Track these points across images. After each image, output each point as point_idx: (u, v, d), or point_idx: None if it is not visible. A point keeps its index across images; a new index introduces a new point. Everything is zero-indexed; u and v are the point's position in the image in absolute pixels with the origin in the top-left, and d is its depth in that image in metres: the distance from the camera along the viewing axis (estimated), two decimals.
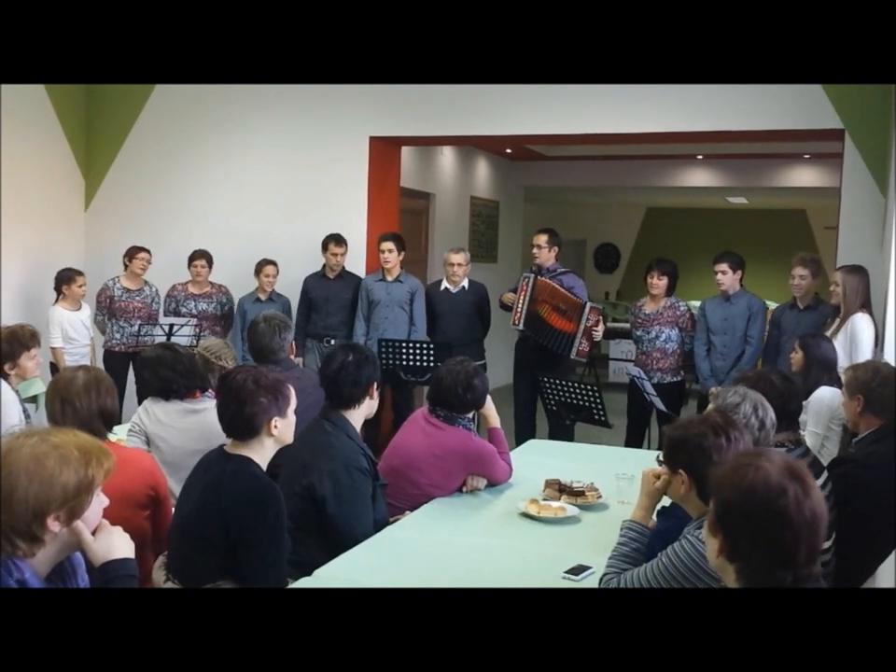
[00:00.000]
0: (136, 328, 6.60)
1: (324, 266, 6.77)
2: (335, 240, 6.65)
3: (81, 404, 2.87)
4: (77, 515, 1.85)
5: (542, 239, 6.33)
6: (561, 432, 5.85)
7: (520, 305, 6.21)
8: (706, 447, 2.28)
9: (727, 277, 5.81)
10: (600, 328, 6.08)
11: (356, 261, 6.96)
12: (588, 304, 6.00)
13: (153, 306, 6.91)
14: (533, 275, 6.25)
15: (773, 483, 1.75)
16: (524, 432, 6.38)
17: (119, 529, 1.97)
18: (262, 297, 6.75)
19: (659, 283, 5.99)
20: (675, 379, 5.99)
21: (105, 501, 1.93)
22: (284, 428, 2.76)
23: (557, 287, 6.11)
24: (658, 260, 6.15)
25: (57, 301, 6.51)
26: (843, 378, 3.80)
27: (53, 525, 1.81)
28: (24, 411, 4.23)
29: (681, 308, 6.04)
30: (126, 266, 6.80)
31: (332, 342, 6.55)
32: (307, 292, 6.77)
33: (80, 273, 6.54)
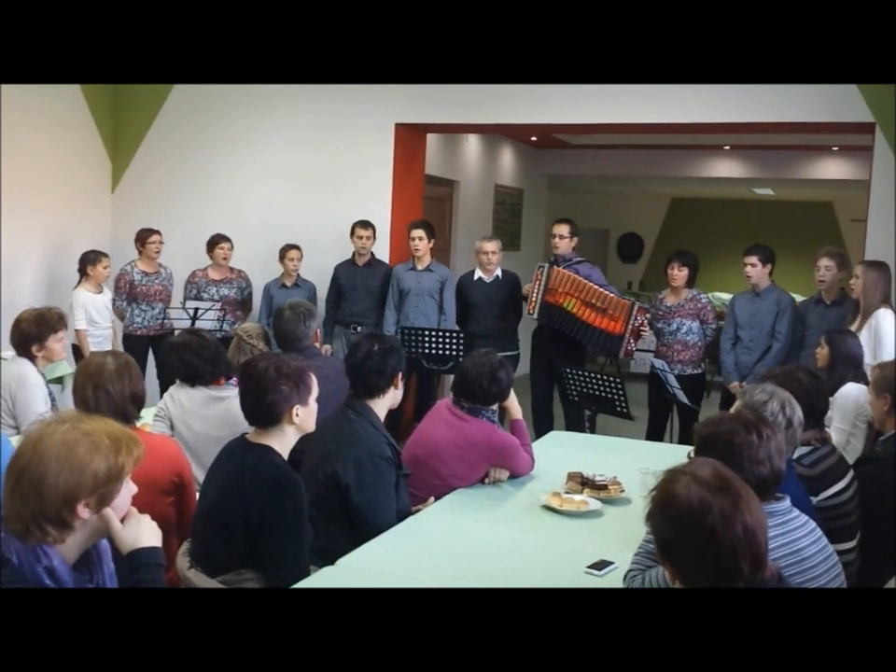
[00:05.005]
0: (158, 310, 6.63)
1: (354, 253, 6.77)
2: (361, 224, 6.66)
3: (114, 389, 2.91)
4: (107, 502, 1.86)
5: (565, 229, 6.33)
6: (578, 422, 5.85)
7: (534, 296, 6.23)
8: (737, 444, 2.25)
9: (756, 270, 5.78)
10: (647, 328, 6.04)
11: (380, 248, 6.96)
12: (636, 304, 5.96)
13: (169, 288, 6.92)
14: (547, 265, 6.27)
15: (696, 503, 1.74)
16: (542, 422, 6.39)
17: (146, 517, 1.98)
18: (288, 283, 6.77)
19: (679, 274, 5.99)
20: (696, 371, 5.99)
21: (134, 489, 1.95)
22: (305, 416, 2.77)
23: (577, 277, 6.09)
24: (679, 252, 6.18)
25: (80, 283, 6.50)
26: (868, 375, 3.77)
27: (83, 511, 1.83)
28: (50, 393, 4.27)
29: (703, 300, 6.04)
30: (140, 251, 6.79)
31: (359, 328, 6.57)
32: (337, 279, 6.78)
33: (105, 255, 6.55)
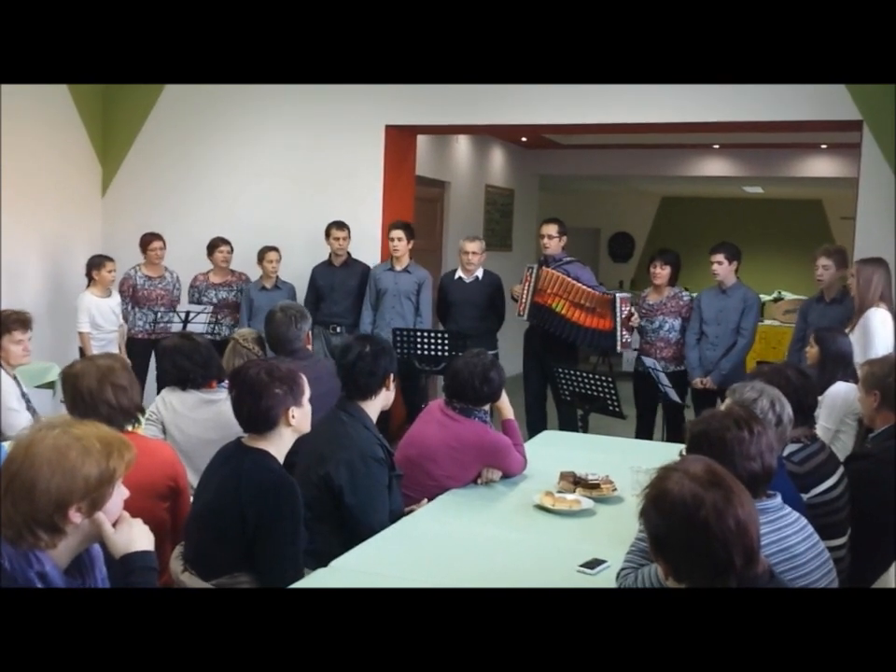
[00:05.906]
0: (159, 315, 6.65)
1: (330, 254, 6.76)
2: (336, 225, 6.66)
3: (129, 389, 2.94)
4: (99, 507, 1.87)
5: (553, 229, 6.33)
6: (571, 421, 5.86)
7: (524, 297, 6.23)
8: (728, 439, 2.26)
9: (722, 268, 5.87)
10: (635, 315, 6.06)
11: (371, 250, 6.97)
12: (618, 296, 5.98)
13: (175, 293, 6.94)
14: (536, 266, 6.28)
15: (688, 497, 1.76)
16: (536, 422, 6.40)
17: (139, 521, 1.99)
18: (268, 285, 6.76)
19: (661, 272, 6.05)
20: (678, 368, 6.03)
21: (126, 493, 1.95)
22: (301, 418, 2.78)
23: (566, 278, 6.09)
24: (661, 251, 6.26)
25: (88, 287, 6.56)
26: (859, 373, 3.78)
27: (75, 516, 1.83)
28: (24, 395, 4.24)
29: (685, 298, 6.10)
30: (144, 255, 6.83)
31: (338, 329, 6.58)
32: (314, 281, 6.78)
33: (110, 259, 6.58)
